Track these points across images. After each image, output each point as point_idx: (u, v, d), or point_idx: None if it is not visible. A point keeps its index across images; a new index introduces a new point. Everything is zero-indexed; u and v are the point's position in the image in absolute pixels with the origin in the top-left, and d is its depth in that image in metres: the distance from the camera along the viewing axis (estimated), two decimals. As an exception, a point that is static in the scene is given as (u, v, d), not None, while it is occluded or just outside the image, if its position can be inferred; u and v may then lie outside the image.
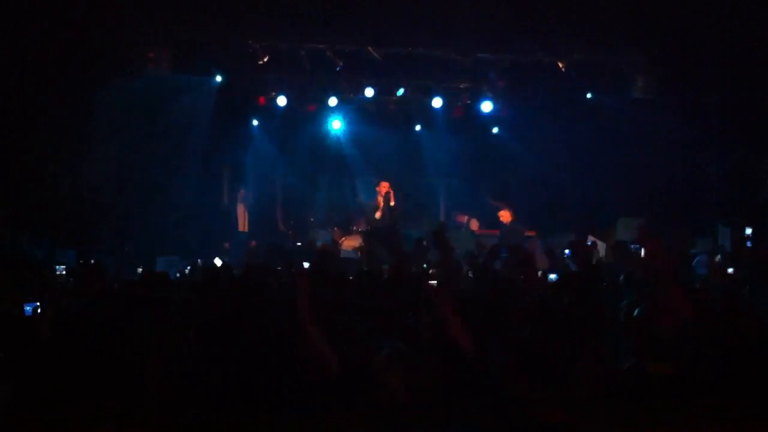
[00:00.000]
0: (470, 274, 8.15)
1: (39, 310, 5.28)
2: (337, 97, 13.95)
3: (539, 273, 9.19)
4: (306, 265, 8.98)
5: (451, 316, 3.89)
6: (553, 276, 7.76)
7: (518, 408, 2.61)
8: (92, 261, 10.59)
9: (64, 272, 9.90)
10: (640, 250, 11.12)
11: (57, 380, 3.63)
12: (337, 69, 13.02)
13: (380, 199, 12.59)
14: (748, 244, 11.68)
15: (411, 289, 5.44)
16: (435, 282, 6.76)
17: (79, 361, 3.79)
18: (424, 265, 8.76)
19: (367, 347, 3.64)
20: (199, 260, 10.93)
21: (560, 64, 13.19)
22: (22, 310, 5.25)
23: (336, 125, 14.77)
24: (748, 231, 11.90)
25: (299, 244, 12.90)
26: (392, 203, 12.60)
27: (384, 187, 12.63)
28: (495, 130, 15.22)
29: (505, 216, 12.89)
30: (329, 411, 3.26)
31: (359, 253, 12.99)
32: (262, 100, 13.76)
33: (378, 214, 12.58)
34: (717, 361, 3.58)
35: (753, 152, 12.70)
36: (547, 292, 5.53)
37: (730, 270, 8.80)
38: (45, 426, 3.20)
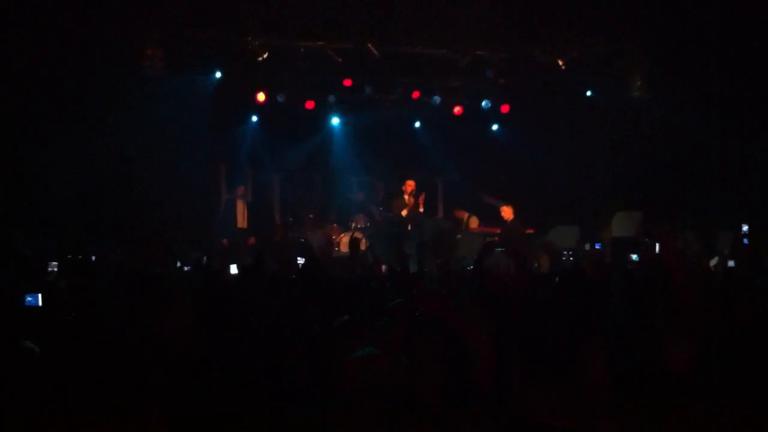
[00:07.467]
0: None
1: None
2: (336, 95, 13.94)
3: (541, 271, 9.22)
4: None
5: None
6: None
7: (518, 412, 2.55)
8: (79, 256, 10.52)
9: (55, 269, 9.76)
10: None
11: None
12: (336, 66, 12.98)
13: (406, 198, 12.69)
14: (745, 241, 11.70)
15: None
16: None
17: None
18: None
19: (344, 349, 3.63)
20: (204, 257, 10.84)
21: (560, 62, 13.14)
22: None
23: (334, 122, 14.79)
24: (745, 228, 11.91)
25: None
26: (421, 208, 12.80)
27: (410, 185, 12.78)
28: (494, 127, 15.23)
29: (507, 212, 12.92)
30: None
31: (356, 249, 12.94)
32: (260, 97, 13.72)
33: (405, 212, 12.64)
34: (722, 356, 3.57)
35: (750, 149, 12.71)
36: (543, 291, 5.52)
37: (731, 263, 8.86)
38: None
